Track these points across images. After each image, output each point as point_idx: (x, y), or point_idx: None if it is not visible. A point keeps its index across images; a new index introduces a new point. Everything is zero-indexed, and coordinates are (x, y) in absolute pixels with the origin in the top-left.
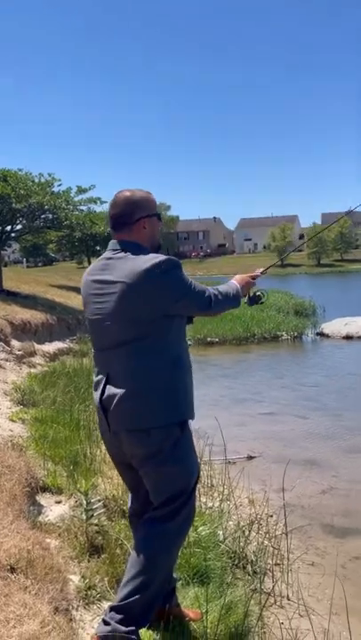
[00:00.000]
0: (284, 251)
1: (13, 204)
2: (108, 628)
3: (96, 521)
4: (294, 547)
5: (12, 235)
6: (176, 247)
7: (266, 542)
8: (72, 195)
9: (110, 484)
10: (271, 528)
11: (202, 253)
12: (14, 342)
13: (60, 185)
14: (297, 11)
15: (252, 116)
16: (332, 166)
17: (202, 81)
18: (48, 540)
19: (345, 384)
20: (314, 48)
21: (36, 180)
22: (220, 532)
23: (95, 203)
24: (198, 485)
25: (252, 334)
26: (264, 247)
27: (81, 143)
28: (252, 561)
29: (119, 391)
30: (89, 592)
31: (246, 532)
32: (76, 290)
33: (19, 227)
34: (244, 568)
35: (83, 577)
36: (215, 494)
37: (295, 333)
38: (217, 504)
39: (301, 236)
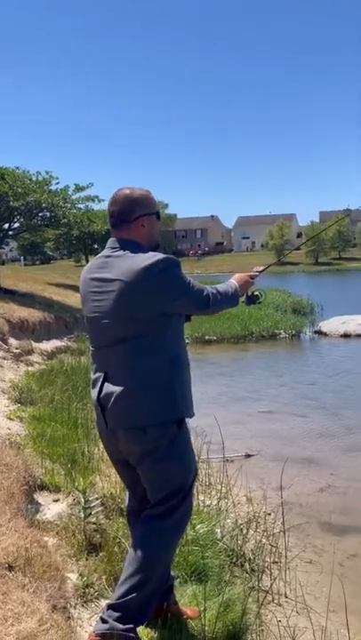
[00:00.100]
0: (282, 249)
1: (11, 202)
2: (106, 625)
3: (94, 519)
4: (292, 544)
5: (10, 233)
6: (174, 245)
7: (264, 540)
8: (70, 193)
9: (108, 482)
10: (269, 526)
11: (200, 251)
12: (12, 340)
13: (57, 183)
14: (297, 11)
15: (251, 115)
16: (330, 165)
17: (201, 80)
18: (46, 539)
19: (343, 382)
20: (314, 48)
21: (34, 179)
22: (218, 530)
23: (93, 201)
24: (196, 483)
25: (250, 332)
26: (262, 245)
27: (80, 142)
28: (249, 559)
29: (117, 389)
30: (87, 590)
31: (244, 530)
32: (74, 288)
33: (16, 225)
34: (242, 566)
35: (81, 575)
36: (213, 492)
37: (293, 332)
38: (215, 502)
39: (299, 235)
